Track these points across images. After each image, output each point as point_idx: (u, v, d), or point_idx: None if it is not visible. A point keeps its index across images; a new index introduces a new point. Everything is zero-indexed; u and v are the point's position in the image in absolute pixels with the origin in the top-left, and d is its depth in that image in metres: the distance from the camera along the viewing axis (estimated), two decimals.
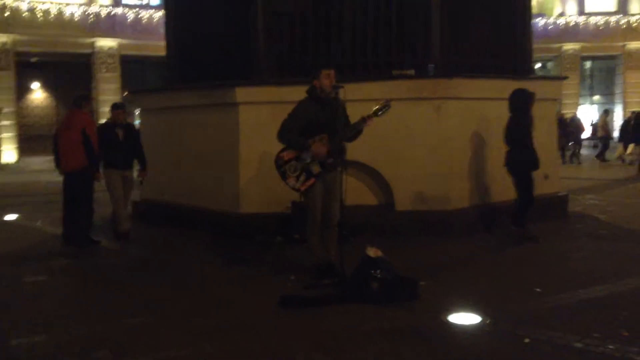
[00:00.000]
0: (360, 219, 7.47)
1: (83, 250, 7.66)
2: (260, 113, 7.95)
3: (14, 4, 24.09)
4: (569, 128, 20.24)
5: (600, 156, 20.32)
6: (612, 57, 30.59)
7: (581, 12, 29.67)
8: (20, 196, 13.66)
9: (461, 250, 7.23)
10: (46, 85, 27.95)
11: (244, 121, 8.14)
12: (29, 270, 6.72)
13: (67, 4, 24.85)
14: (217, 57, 8.93)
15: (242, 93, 8.14)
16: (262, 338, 4.52)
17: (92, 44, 25.63)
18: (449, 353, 4.18)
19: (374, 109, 5.69)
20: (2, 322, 5.01)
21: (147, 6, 26.76)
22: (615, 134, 23.04)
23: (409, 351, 4.18)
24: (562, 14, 29.69)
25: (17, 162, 24.64)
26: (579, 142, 20.78)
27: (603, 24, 29.37)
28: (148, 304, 5.46)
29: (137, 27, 25.95)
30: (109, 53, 25.94)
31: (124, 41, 25.89)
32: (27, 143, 26.00)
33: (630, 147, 18.54)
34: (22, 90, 27.08)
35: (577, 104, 29.21)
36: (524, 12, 9.47)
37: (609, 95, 31.59)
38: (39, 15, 24.40)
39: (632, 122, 18.93)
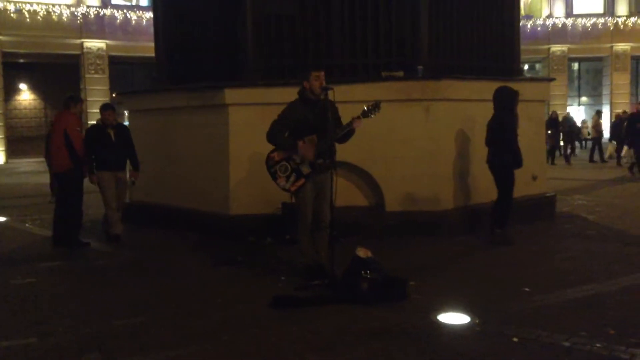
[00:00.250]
0: (350, 220, 7.50)
1: (72, 252, 7.64)
2: (250, 114, 7.96)
3: (1, 5, 23.96)
4: (562, 128, 20.23)
5: (591, 157, 20.36)
6: (599, 59, 30.85)
7: (569, 14, 29.92)
8: (8, 198, 13.58)
9: (450, 251, 7.27)
10: (34, 87, 27.83)
11: (233, 122, 8.15)
12: (18, 272, 6.69)
13: (54, 5, 24.72)
14: (206, 58, 8.93)
15: (231, 94, 8.14)
16: (253, 338, 4.52)
17: (80, 45, 25.55)
18: (439, 353, 4.21)
19: (363, 109, 5.73)
20: None
21: (136, 7, 26.68)
22: (606, 134, 23.16)
23: (399, 351, 4.21)
24: (550, 16, 29.91)
25: (5, 163, 24.51)
26: (572, 142, 20.73)
27: (590, 25, 29.64)
28: (139, 305, 5.45)
29: (126, 28, 25.89)
30: (98, 54, 25.86)
31: (112, 42, 25.83)
32: (15, 144, 25.88)
33: (625, 149, 18.42)
34: (10, 91, 26.97)
35: (565, 105, 29.41)
36: (513, 14, 9.53)
37: (596, 97, 31.86)
38: (26, 16, 24.27)
39: (625, 122, 18.82)
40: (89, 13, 25.34)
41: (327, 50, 8.30)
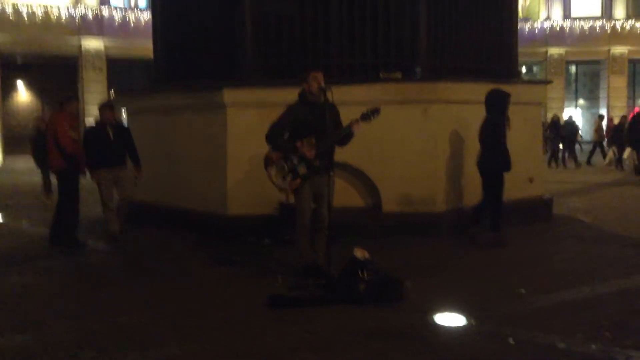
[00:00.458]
0: (347, 221, 7.50)
1: (69, 250, 7.63)
2: (248, 114, 7.97)
3: None
4: (562, 131, 20.09)
5: (589, 160, 20.33)
6: (596, 62, 30.88)
7: (566, 16, 29.95)
8: (5, 197, 13.55)
9: (447, 252, 7.29)
10: (32, 86, 27.80)
11: (231, 122, 8.15)
12: (14, 271, 6.69)
13: (53, 5, 24.69)
14: (204, 57, 8.93)
15: (229, 94, 8.15)
16: (251, 338, 4.53)
17: (78, 45, 25.49)
18: (435, 353, 4.22)
19: (363, 113, 5.74)
20: None
21: (134, 7, 26.68)
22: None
23: (396, 351, 4.22)
24: (547, 19, 29.95)
25: (2, 162, 24.45)
26: (572, 145, 20.59)
27: (588, 28, 29.66)
28: (135, 304, 5.46)
29: (125, 28, 25.85)
30: (96, 54, 25.81)
31: (110, 42, 25.78)
32: (12, 144, 25.82)
33: (627, 150, 18.24)
34: (7, 90, 26.92)
35: (562, 108, 29.45)
36: (511, 16, 9.56)
37: (593, 100, 31.89)
38: (24, 16, 24.23)
39: (627, 125, 18.72)
40: (87, 13, 25.31)
41: (326, 50, 8.31)
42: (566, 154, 20.27)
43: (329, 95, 5.68)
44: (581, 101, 32.61)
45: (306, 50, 8.31)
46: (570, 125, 20.88)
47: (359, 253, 5.44)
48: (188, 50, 9.23)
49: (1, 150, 25.07)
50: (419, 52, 8.24)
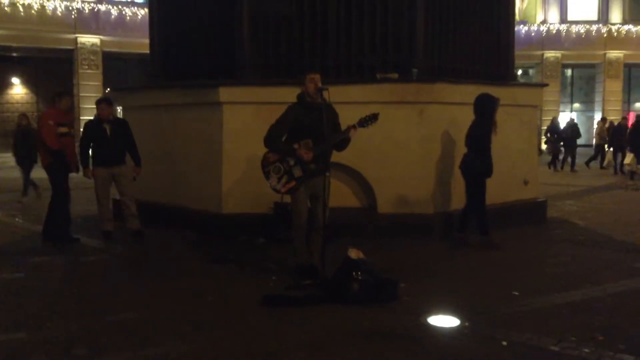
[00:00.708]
0: (343, 221, 7.49)
1: (62, 247, 7.60)
2: (244, 113, 7.96)
3: None
4: (564, 133, 19.93)
5: (588, 162, 20.30)
6: (592, 66, 30.98)
7: (563, 20, 30.03)
8: None
9: (441, 253, 7.30)
10: (27, 81, 27.64)
11: (227, 121, 8.13)
12: (7, 267, 6.65)
13: (48, 0, 24.61)
14: (201, 55, 8.91)
15: (225, 93, 8.13)
16: (245, 337, 4.53)
17: (74, 40, 25.39)
18: (428, 354, 4.23)
19: (360, 118, 5.75)
20: None
21: (131, 3, 26.59)
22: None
23: (389, 352, 4.22)
24: (544, 22, 30.02)
25: None
26: (573, 148, 20.02)
27: (584, 32, 29.75)
28: (129, 301, 5.44)
29: (121, 24, 25.76)
30: (92, 50, 25.71)
31: (107, 38, 25.69)
32: (6, 139, 25.68)
33: (630, 156, 17.83)
34: (2, 85, 26.77)
35: (557, 111, 29.52)
36: (507, 19, 9.58)
37: (588, 103, 31.98)
38: (20, 10, 24.13)
39: (629, 129, 18.59)
40: (83, 8, 25.21)
41: (323, 50, 8.30)
42: (568, 158, 19.82)
43: (325, 95, 5.68)
44: (576, 105, 32.69)
45: (303, 49, 8.30)
46: (572, 127, 20.46)
47: (354, 253, 5.44)
48: (185, 47, 9.21)
49: None
50: (416, 53, 8.25)
